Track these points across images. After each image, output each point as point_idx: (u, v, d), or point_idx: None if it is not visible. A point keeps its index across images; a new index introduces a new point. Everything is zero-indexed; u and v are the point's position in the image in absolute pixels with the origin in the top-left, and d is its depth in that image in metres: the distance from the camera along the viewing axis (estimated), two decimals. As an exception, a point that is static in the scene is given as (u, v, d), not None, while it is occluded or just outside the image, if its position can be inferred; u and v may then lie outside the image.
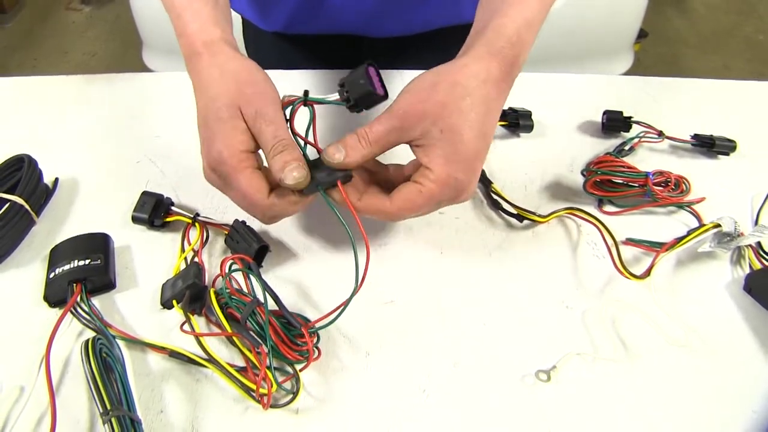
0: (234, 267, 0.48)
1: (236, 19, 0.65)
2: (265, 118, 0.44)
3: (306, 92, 0.46)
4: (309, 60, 0.80)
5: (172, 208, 0.55)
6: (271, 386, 0.43)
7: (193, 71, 0.48)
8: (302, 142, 0.45)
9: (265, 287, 0.46)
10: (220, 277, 0.48)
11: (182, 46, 0.49)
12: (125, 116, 0.68)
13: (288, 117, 0.46)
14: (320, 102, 0.46)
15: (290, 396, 0.43)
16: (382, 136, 0.45)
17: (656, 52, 2.32)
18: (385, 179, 0.50)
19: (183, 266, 0.51)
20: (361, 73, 0.45)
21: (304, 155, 0.45)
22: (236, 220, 0.53)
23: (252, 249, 0.51)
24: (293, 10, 0.74)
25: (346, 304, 0.45)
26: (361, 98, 0.45)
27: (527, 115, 0.65)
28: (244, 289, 0.48)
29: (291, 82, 0.70)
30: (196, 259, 0.52)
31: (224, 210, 0.57)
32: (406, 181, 0.46)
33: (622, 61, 1.80)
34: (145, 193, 0.55)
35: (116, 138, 0.65)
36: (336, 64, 0.74)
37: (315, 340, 0.46)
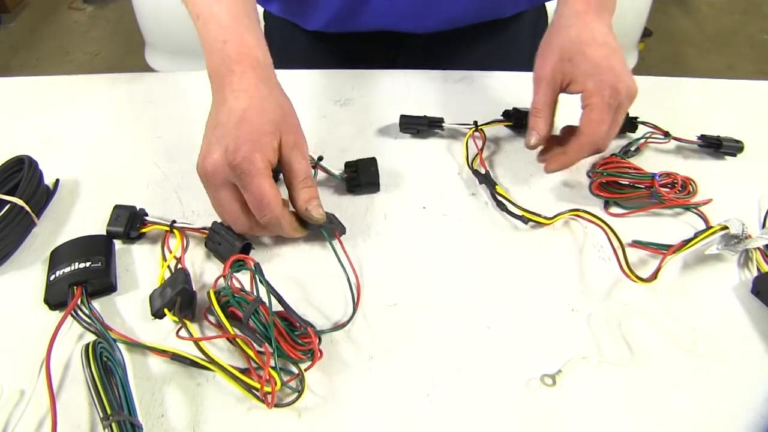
0: (240, 266, 0.48)
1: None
2: (301, 150, 0.50)
3: (320, 158, 0.58)
4: (343, 60, 0.80)
5: (146, 218, 0.55)
6: (275, 384, 0.42)
7: (238, 77, 0.50)
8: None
9: (269, 289, 0.46)
10: (222, 278, 0.47)
11: (217, 51, 0.51)
12: (127, 117, 0.68)
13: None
14: (325, 171, 0.58)
15: (295, 394, 0.43)
16: (551, 102, 0.58)
17: (660, 51, 2.32)
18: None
19: (167, 275, 0.51)
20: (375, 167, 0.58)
21: None
22: (214, 222, 0.53)
23: (236, 248, 0.51)
24: (336, 10, 0.74)
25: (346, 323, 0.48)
26: (368, 184, 0.58)
27: (532, 115, 0.65)
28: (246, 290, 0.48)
29: (327, 80, 0.70)
30: (180, 266, 0.51)
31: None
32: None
33: (626, 59, 1.79)
34: (117, 207, 0.54)
35: (118, 139, 0.65)
36: (370, 63, 0.74)
37: (317, 340, 0.45)
